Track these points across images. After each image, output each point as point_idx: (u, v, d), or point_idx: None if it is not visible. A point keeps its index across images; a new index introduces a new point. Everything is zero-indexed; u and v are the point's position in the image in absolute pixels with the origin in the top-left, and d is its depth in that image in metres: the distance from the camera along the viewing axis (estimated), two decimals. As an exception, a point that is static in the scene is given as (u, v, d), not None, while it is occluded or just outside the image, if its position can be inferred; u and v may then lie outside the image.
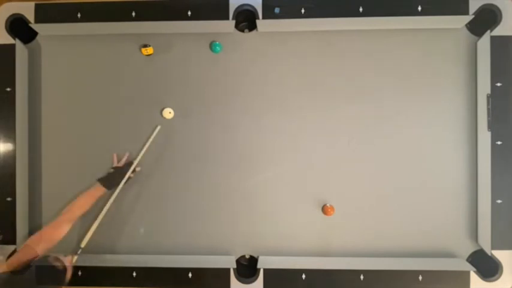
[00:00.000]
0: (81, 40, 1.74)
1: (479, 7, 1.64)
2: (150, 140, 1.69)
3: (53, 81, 1.75)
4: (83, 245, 1.57)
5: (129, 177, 1.66)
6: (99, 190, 1.61)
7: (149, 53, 1.70)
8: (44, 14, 1.70)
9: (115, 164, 1.69)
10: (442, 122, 1.70)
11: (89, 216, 1.63)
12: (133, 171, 1.68)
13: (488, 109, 1.65)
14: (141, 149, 1.68)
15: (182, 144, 1.73)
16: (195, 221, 1.72)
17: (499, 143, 1.64)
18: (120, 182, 1.62)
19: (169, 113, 1.70)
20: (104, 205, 1.61)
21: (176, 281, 1.66)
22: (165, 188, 1.73)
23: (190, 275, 1.66)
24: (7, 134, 1.69)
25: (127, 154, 1.71)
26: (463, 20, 1.66)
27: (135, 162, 1.67)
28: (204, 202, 1.73)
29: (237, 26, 1.72)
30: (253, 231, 1.72)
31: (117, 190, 1.62)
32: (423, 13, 1.65)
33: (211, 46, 1.70)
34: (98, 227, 1.70)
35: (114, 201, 1.68)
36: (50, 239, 1.45)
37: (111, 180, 1.63)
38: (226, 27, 1.69)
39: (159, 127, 1.70)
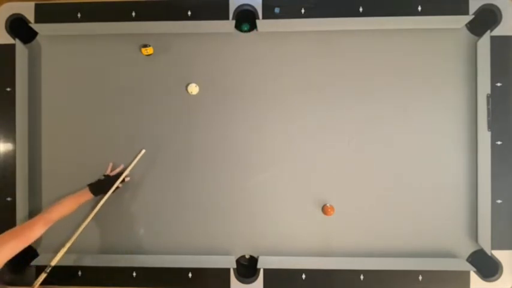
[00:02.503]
0: (81, 40, 1.74)
1: (479, 7, 1.65)
2: (134, 163, 1.69)
3: (53, 81, 1.75)
4: (53, 263, 1.53)
5: (118, 187, 1.65)
6: (86, 195, 1.60)
7: (149, 53, 1.70)
8: (44, 14, 1.70)
9: (107, 172, 1.69)
10: (442, 122, 1.70)
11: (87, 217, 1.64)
12: (123, 181, 1.67)
13: (488, 109, 1.65)
14: (127, 167, 1.69)
15: (182, 145, 1.73)
16: (195, 221, 1.72)
17: (499, 143, 1.65)
18: (107, 190, 1.61)
19: (195, 86, 1.70)
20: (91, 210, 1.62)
21: (176, 281, 1.67)
22: (165, 189, 1.73)
23: (190, 275, 1.66)
24: (7, 134, 1.69)
25: (121, 166, 1.71)
26: (463, 20, 1.67)
27: (125, 173, 1.67)
28: (204, 202, 1.73)
29: (237, 26, 1.72)
30: (253, 231, 1.72)
31: (104, 199, 1.61)
32: (423, 13, 1.65)
33: (241, 27, 1.70)
34: (98, 227, 1.71)
35: (114, 201, 1.69)
36: (22, 239, 1.38)
37: (99, 187, 1.63)
38: (226, 27, 1.70)
39: (143, 151, 1.71)
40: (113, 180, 1.64)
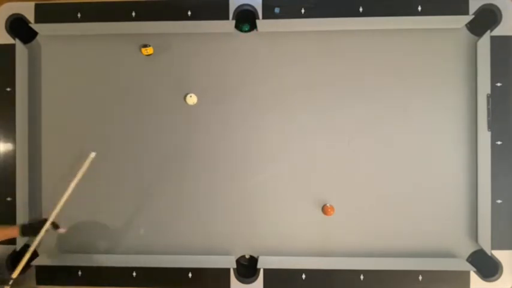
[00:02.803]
0: (81, 40, 1.74)
1: (479, 7, 1.65)
2: (83, 169, 1.59)
3: (53, 81, 1.75)
4: (14, 275, 1.52)
5: (47, 230, 1.58)
6: (14, 233, 1.57)
7: (149, 53, 1.70)
8: (44, 14, 1.70)
9: (50, 218, 1.60)
10: (442, 122, 1.70)
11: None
12: (56, 228, 1.63)
13: (488, 109, 1.65)
14: (75, 177, 1.60)
15: (182, 145, 1.73)
16: (195, 221, 1.72)
17: (499, 143, 1.64)
18: (34, 235, 1.56)
19: (191, 96, 1.69)
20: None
21: (176, 281, 1.67)
22: (166, 189, 1.73)
23: (190, 275, 1.66)
24: (7, 134, 1.69)
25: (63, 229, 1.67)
26: (463, 20, 1.66)
27: (49, 222, 1.57)
28: (204, 202, 1.73)
29: (237, 26, 1.72)
30: (253, 231, 1.72)
31: (32, 246, 1.56)
32: (423, 13, 1.65)
33: (241, 27, 1.71)
34: (98, 227, 1.71)
35: (114, 201, 1.69)
36: None
37: (29, 229, 1.59)
38: (226, 27, 1.70)
39: (93, 154, 1.61)
40: (39, 226, 1.57)
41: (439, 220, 1.70)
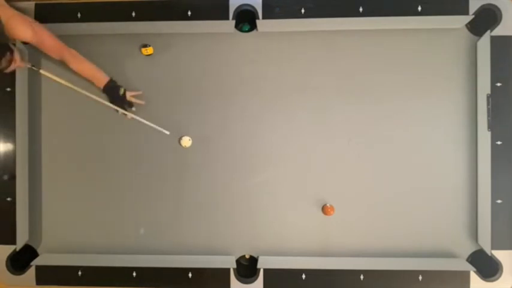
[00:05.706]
0: (81, 40, 1.73)
1: (479, 7, 1.64)
2: (151, 125, 1.69)
3: (52, 81, 1.74)
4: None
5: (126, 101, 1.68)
6: (100, 82, 1.64)
7: (149, 53, 1.70)
8: (44, 14, 1.70)
9: (131, 93, 1.69)
10: (442, 122, 1.70)
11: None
12: (131, 106, 1.71)
13: (488, 109, 1.65)
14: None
15: (181, 147, 1.73)
16: (195, 221, 1.73)
17: (499, 143, 1.64)
18: (113, 101, 1.68)
19: (189, 140, 1.71)
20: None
21: (176, 281, 1.67)
22: (165, 189, 1.73)
23: (190, 275, 1.66)
24: (7, 134, 1.69)
25: (139, 92, 1.71)
26: (463, 20, 1.66)
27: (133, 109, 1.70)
28: (204, 202, 1.73)
29: (237, 26, 1.72)
30: (253, 231, 1.72)
31: (106, 103, 1.68)
32: (423, 13, 1.65)
33: (241, 27, 1.72)
34: (99, 227, 1.71)
35: (114, 201, 1.68)
36: (50, 44, 1.56)
37: (112, 94, 1.66)
38: (226, 27, 1.70)
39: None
40: (124, 103, 1.68)
41: (439, 220, 1.70)
